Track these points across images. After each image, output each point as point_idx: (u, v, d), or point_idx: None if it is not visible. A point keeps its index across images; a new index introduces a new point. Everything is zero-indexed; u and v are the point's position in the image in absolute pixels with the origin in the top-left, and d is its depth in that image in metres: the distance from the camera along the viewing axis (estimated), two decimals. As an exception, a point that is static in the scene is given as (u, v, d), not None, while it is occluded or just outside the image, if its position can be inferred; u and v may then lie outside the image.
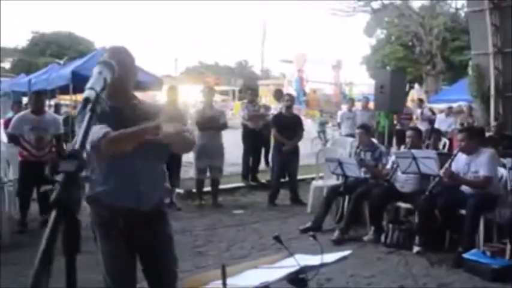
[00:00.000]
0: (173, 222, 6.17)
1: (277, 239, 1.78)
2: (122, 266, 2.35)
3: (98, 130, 2.03)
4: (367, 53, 30.86)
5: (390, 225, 5.01)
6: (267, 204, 7.00)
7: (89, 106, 1.19)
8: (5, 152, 6.50)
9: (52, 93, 10.52)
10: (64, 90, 9.79)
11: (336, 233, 5.16)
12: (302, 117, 23.78)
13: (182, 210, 6.61)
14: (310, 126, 19.97)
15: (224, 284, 1.48)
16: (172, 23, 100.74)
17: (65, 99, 12.41)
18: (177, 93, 6.55)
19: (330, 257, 1.85)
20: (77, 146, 1.13)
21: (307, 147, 11.45)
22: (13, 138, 5.66)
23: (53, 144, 5.72)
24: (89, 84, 1.26)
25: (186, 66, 48.11)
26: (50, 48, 35.92)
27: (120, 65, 2.13)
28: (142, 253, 2.39)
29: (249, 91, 8.92)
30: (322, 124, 15.71)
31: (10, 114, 8.40)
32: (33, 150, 5.54)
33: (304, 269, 1.68)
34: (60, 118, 6.81)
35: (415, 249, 4.69)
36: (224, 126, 7.06)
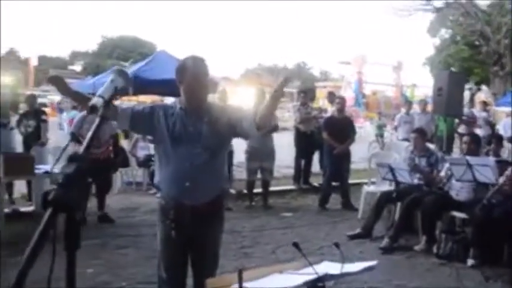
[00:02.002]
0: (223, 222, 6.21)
1: (295, 245, 1.76)
2: (172, 253, 2.54)
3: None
4: (431, 53, 29.73)
5: (443, 235, 4.78)
6: (317, 208, 6.93)
7: (99, 112, 1.23)
8: (71, 150, 6.91)
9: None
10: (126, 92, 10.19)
11: (385, 241, 5.00)
12: (361, 120, 23.24)
13: (232, 210, 6.69)
14: (368, 129, 19.59)
15: (240, 287, 1.49)
16: (233, 25, 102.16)
17: (130, 100, 12.95)
18: (226, 96, 6.65)
19: (355, 267, 1.79)
20: (81, 151, 1.18)
21: (364, 151, 11.21)
22: (74, 137, 5.99)
23: (110, 143, 6.01)
24: (98, 92, 1.31)
25: (246, 68, 48.70)
26: (116, 51, 37.66)
27: (192, 73, 2.38)
28: (190, 244, 2.52)
29: (302, 93, 8.84)
30: (380, 127, 15.32)
31: (73, 113, 8.88)
32: (91, 149, 5.83)
33: (324, 278, 1.64)
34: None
35: (469, 262, 4.44)
36: (275, 128, 7.06)
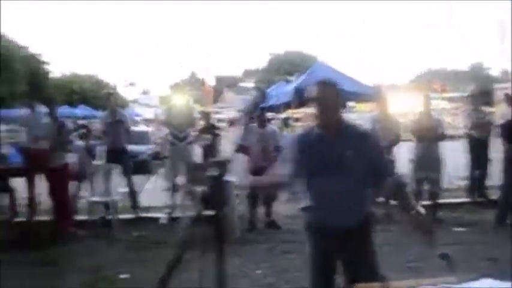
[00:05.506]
0: (388, 234, 6.07)
1: (443, 256, 1.66)
2: (320, 271, 2.61)
3: (284, 168, 2.51)
4: None
5: None
6: (495, 224, 6.25)
7: (241, 125, 1.41)
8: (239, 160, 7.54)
9: (278, 108, 11.60)
10: (289, 105, 10.65)
11: None
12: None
13: (398, 223, 6.47)
14: None
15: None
16: (398, 29, 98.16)
17: (293, 113, 13.49)
18: (387, 104, 6.50)
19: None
20: (226, 157, 1.36)
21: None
22: (241, 149, 6.51)
23: (275, 154, 6.35)
24: (240, 108, 1.49)
25: (416, 74, 46.50)
26: (283, 66, 39.52)
27: (328, 97, 2.46)
28: (343, 265, 2.57)
29: (471, 97, 8.12)
30: None
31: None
32: (257, 159, 6.26)
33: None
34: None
35: None
36: (442, 136, 6.68)
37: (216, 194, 1.30)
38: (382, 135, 5.50)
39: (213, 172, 1.33)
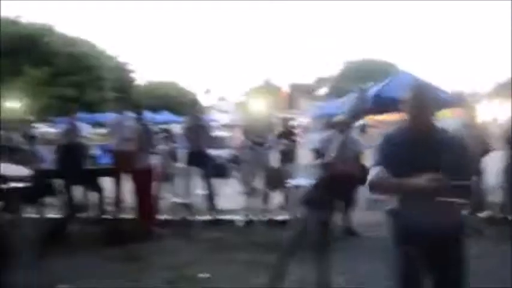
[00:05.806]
0: (473, 247, 5.78)
1: None
2: (406, 280, 2.54)
3: (376, 171, 2.45)
4: None
5: None
6: None
7: (339, 128, 1.39)
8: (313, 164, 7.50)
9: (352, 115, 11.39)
10: (366, 111, 10.40)
11: None
12: None
13: (484, 236, 6.08)
14: None
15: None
16: (481, 35, 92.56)
17: (371, 119, 13.19)
18: (474, 113, 6.16)
19: None
20: (327, 160, 1.35)
21: None
22: (317, 153, 6.47)
23: (354, 160, 6.24)
24: (344, 110, 1.47)
25: (499, 81, 43.54)
26: (358, 74, 38.81)
27: (423, 101, 2.47)
28: (430, 274, 2.49)
29: None
30: None
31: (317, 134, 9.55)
32: (338, 166, 6.18)
33: None
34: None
35: None
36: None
37: (318, 194, 1.31)
38: (469, 144, 5.21)
39: (320, 176, 1.34)
